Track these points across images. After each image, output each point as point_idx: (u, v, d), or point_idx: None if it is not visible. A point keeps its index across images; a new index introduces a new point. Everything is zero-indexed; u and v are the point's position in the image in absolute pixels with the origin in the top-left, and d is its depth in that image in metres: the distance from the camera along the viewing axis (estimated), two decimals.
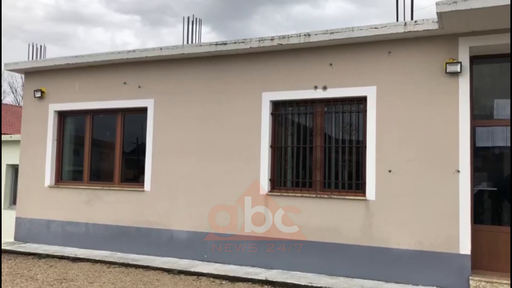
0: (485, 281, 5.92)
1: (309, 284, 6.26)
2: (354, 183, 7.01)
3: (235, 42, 7.49)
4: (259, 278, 6.59)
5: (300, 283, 6.33)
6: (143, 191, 8.30)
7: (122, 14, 57.37)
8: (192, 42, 8.48)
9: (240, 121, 7.63)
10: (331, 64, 7.10)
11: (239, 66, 7.73)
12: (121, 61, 8.54)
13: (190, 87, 8.08)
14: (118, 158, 8.79)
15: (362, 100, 6.97)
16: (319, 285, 6.21)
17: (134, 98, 8.52)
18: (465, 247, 6.12)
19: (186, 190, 7.93)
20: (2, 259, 7.85)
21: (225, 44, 7.56)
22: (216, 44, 7.63)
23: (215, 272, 6.89)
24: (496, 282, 5.87)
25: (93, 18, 57.51)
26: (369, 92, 6.83)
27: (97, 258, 7.80)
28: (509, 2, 5.29)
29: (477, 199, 6.60)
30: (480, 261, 6.36)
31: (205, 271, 6.96)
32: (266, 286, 6.37)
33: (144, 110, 8.46)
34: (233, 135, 7.66)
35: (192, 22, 8.51)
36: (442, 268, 6.21)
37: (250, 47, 7.39)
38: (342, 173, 7.16)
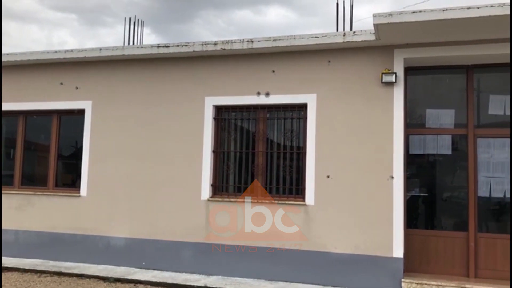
0: (415, 283, 6.18)
1: None
2: (295, 188, 7.11)
3: (177, 45, 7.39)
4: (198, 284, 6.51)
5: None
6: (79, 196, 7.97)
7: (57, 12, 55.01)
8: (133, 43, 8.30)
9: (182, 125, 7.53)
10: (273, 71, 7.18)
11: (181, 70, 7.63)
12: (57, 60, 8.18)
13: (130, 89, 7.88)
14: (52, 161, 8.39)
15: (303, 107, 7.09)
16: None
17: (71, 99, 8.18)
18: (398, 251, 6.35)
19: (125, 196, 7.71)
20: None
21: (167, 46, 7.45)
22: (158, 46, 7.50)
23: (153, 279, 6.73)
24: (426, 284, 6.14)
25: (25, 14, 54.85)
26: (310, 100, 6.97)
27: (27, 267, 7.39)
28: (438, 18, 5.60)
29: (410, 204, 6.89)
30: (412, 264, 6.63)
31: (143, 279, 6.78)
32: None
33: (81, 112, 8.15)
34: (174, 140, 7.54)
35: (134, 23, 8.35)
36: (376, 271, 6.41)
37: (193, 51, 7.32)
38: (283, 179, 7.24)
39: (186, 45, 7.35)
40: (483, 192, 6.59)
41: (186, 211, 7.34)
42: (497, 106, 6.71)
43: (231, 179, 7.49)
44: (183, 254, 7.28)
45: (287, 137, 7.30)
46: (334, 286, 6.51)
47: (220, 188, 7.46)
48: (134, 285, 6.64)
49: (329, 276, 6.59)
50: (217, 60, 7.45)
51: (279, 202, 6.98)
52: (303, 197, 6.93)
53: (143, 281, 6.71)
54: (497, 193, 6.59)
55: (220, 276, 6.98)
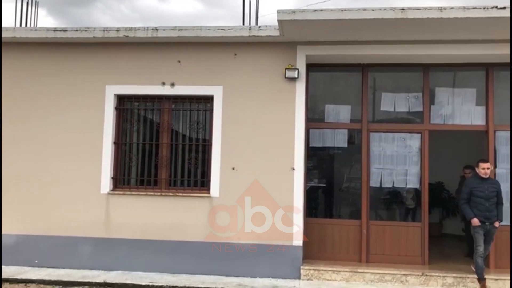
0: (313, 270, 6.50)
1: (150, 284, 6.15)
2: (200, 180, 7.08)
3: (76, 30, 6.96)
4: (97, 281, 6.25)
5: (140, 283, 6.18)
6: None
7: None
8: (26, 25, 7.66)
9: (80, 115, 7.12)
10: (179, 61, 7.07)
11: (81, 56, 7.20)
12: None
13: (23, 75, 7.26)
14: None
15: (209, 99, 7.07)
16: (160, 284, 6.14)
17: None
18: (298, 239, 6.62)
19: (15, 190, 7.11)
20: None
21: (65, 31, 6.98)
22: (55, 30, 7.00)
23: (47, 278, 6.33)
24: (322, 270, 6.50)
25: None
26: (216, 92, 6.97)
27: None
28: (337, 17, 5.90)
29: (309, 194, 7.22)
30: (311, 251, 6.95)
31: (35, 278, 6.35)
32: None
33: None
34: (72, 131, 7.11)
35: (27, 3, 7.71)
36: (277, 259, 6.62)
37: (94, 37, 6.95)
38: (188, 171, 7.18)
39: (86, 30, 6.95)
40: (374, 182, 7.10)
41: (85, 205, 6.98)
42: (388, 103, 7.26)
43: (133, 172, 7.26)
44: (81, 250, 6.93)
45: (193, 129, 7.25)
46: (236, 276, 6.62)
47: (121, 181, 7.20)
48: (25, 285, 6.19)
49: (232, 266, 6.67)
50: (120, 48, 7.15)
51: (184, 194, 6.92)
52: (208, 189, 6.93)
53: (35, 280, 6.29)
54: (387, 184, 7.14)
55: (120, 271, 6.75)
